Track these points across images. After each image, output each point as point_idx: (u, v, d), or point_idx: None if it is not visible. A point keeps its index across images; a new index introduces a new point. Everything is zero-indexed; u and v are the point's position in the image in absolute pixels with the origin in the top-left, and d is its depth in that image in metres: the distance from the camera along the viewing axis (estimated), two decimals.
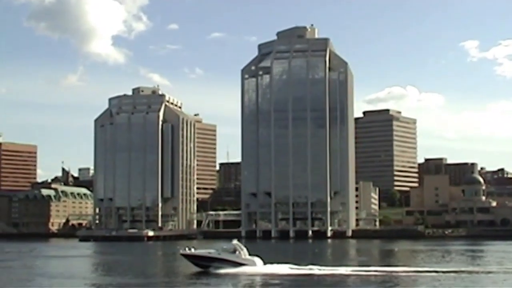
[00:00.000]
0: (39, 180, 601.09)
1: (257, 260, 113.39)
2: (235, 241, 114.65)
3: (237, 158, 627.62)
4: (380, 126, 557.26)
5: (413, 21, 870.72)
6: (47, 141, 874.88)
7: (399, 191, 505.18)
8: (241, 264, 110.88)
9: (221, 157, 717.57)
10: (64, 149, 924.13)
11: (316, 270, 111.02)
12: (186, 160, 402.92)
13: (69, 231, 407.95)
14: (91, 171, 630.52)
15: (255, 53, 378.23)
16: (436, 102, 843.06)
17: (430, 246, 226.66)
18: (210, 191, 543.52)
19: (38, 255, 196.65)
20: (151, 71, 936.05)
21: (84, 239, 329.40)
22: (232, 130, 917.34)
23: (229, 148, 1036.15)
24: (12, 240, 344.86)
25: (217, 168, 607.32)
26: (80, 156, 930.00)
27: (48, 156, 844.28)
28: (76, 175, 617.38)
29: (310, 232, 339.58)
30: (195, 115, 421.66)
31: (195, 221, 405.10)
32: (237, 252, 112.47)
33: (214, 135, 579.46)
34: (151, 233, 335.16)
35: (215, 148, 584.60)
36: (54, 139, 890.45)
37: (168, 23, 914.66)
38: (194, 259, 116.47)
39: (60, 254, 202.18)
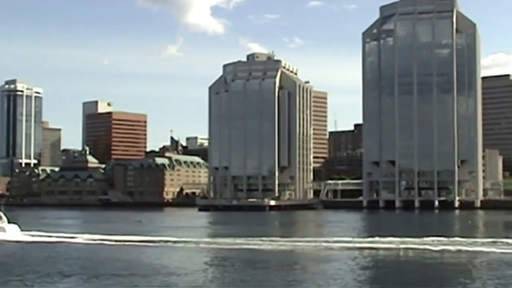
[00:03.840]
0: (147, 149, 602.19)
1: (12, 227, 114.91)
2: None
3: (345, 127, 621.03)
4: (500, 92, 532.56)
5: None
6: (152, 111, 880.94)
7: None
8: None
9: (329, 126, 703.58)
10: (168, 118, 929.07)
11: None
12: (302, 128, 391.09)
13: (183, 200, 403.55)
14: (199, 140, 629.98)
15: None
16: None
17: None
18: (322, 160, 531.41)
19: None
20: (250, 41, 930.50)
21: (203, 208, 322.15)
22: (340, 99, 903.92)
23: (337, 117, 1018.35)
24: (129, 208, 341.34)
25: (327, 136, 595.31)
26: (187, 125, 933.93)
27: (152, 126, 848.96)
28: (184, 144, 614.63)
29: (436, 203, 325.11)
30: (306, 82, 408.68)
31: (311, 191, 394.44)
32: None
33: (325, 103, 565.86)
34: (272, 203, 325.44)
35: (325, 117, 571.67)
36: (158, 109, 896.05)
37: None
38: None
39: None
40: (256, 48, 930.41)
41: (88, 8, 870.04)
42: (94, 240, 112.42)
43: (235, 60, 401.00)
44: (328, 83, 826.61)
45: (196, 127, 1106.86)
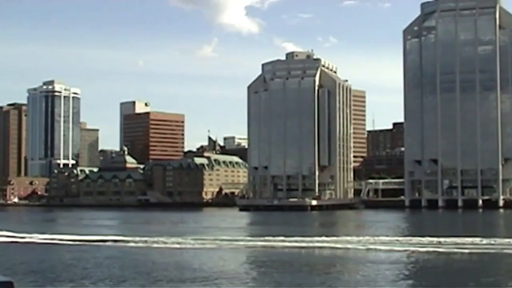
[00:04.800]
0: (184, 149, 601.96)
1: None
2: None
3: (383, 126, 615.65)
4: None
5: None
6: (188, 111, 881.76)
7: None
8: None
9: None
10: (205, 118, 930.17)
11: None
12: (342, 126, 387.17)
13: (222, 200, 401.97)
14: (237, 140, 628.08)
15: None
16: None
17: None
18: (360, 159, 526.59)
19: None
20: (285, 40, 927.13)
21: (244, 208, 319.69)
22: (377, 97, 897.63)
23: (374, 116, 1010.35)
24: (168, 209, 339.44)
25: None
26: (223, 125, 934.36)
27: (189, 126, 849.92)
28: (221, 144, 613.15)
29: (480, 202, 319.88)
30: (345, 81, 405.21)
31: (352, 190, 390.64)
32: None
33: (363, 101, 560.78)
34: (314, 203, 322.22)
35: (364, 115, 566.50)
36: (195, 109, 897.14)
37: None
38: None
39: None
40: (291, 47, 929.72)
41: (121, 9, 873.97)
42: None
43: (270, 60, 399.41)
44: (365, 82, 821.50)
45: (233, 126, 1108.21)
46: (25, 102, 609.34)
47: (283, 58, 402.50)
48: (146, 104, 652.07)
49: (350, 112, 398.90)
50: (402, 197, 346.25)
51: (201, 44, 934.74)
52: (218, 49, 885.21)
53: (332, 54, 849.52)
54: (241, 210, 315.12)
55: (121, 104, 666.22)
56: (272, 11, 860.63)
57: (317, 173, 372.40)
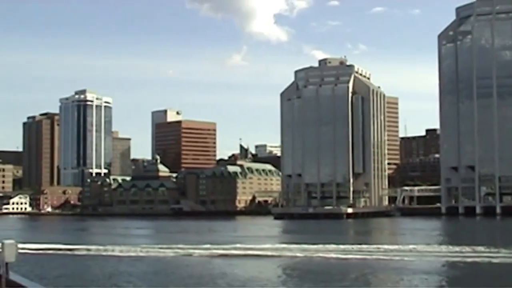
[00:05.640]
0: (216, 157, 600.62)
1: None
2: None
3: (415, 132, 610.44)
4: None
5: None
6: (219, 119, 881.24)
7: None
8: None
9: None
10: (235, 126, 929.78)
11: None
12: (377, 133, 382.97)
13: (256, 209, 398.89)
14: (268, 148, 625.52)
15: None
16: None
17: None
18: (394, 166, 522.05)
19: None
20: (314, 48, 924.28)
21: (279, 217, 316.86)
22: (409, 104, 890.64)
23: (406, 122, 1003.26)
24: (201, 218, 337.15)
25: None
26: (254, 133, 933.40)
27: (220, 134, 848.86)
28: (253, 152, 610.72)
29: None
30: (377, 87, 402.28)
31: (386, 197, 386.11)
32: None
33: (396, 108, 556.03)
34: (349, 210, 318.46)
35: (397, 122, 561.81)
36: (225, 117, 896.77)
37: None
38: None
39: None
40: (320, 55, 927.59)
41: (150, 18, 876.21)
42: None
43: (300, 67, 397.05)
44: (395, 88, 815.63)
45: (264, 135, 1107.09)
46: (57, 111, 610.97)
47: (313, 65, 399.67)
48: (177, 113, 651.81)
49: (384, 118, 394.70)
50: (438, 204, 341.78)
51: (230, 52, 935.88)
52: (247, 58, 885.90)
53: (361, 61, 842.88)
54: (275, 218, 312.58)
55: (153, 112, 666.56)
56: (301, 19, 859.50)
57: (351, 180, 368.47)
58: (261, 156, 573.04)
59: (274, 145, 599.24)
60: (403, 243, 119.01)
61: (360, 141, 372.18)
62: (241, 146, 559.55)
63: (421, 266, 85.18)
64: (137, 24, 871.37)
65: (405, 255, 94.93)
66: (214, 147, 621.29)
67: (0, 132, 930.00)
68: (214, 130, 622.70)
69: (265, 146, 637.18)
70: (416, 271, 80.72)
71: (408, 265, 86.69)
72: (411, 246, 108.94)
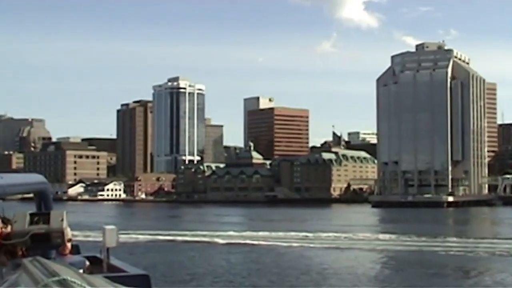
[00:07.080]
0: (308, 145, 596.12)
1: None
2: None
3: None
4: None
5: None
6: (311, 106, 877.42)
7: None
8: None
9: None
10: (327, 113, 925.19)
11: None
12: (476, 120, 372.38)
13: (351, 196, 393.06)
14: (361, 135, 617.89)
15: None
16: None
17: None
18: (492, 154, 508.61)
19: None
20: (405, 34, 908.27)
21: (377, 205, 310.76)
22: (507, 90, 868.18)
23: (503, 109, 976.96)
24: (296, 205, 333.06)
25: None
26: (346, 120, 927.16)
27: (311, 121, 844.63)
28: (346, 139, 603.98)
29: None
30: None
31: (486, 186, 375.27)
32: None
33: (494, 94, 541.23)
34: (450, 199, 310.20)
35: (495, 109, 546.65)
36: (316, 104, 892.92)
37: None
38: None
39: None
40: (411, 41, 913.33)
41: (239, 7, 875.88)
42: None
43: (392, 54, 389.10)
44: (491, 74, 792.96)
45: (356, 122, 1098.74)
46: (150, 99, 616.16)
47: (404, 51, 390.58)
48: (270, 100, 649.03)
49: (484, 105, 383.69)
50: None
51: (319, 39, 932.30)
52: (337, 44, 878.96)
53: (456, 46, 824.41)
54: (373, 206, 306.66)
55: (245, 100, 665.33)
56: (391, 5, 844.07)
57: (449, 168, 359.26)
58: (354, 143, 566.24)
59: (367, 132, 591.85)
60: None
61: (459, 127, 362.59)
62: (334, 133, 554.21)
63: None
64: (226, 13, 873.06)
65: None
66: (307, 134, 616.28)
67: (94, 119, 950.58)
68: (307, 117, 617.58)
69: (358, 133, 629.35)
70: None
71: None
72: None
